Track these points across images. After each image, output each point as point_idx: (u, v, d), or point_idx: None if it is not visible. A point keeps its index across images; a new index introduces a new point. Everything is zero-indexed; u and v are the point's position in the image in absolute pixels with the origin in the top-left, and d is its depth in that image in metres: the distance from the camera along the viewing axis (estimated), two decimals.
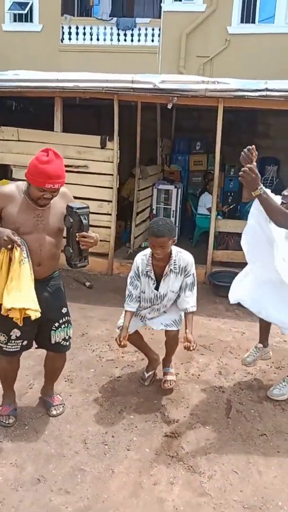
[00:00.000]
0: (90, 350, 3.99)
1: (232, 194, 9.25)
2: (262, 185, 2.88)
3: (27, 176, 2.54)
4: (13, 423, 2.91)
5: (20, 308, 2.45)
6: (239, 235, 6.63)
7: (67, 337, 2.89)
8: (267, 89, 5.06)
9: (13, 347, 2.73)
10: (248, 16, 9.86)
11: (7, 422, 2.90)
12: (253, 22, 9.95)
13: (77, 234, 2.56)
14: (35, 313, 2.49)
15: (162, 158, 8.77)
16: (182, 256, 3.20)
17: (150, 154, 8.41)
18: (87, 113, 8.68)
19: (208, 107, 5.85)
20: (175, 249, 3.20)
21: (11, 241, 2.42)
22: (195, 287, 3.28)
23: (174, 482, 2.55)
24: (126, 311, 3.27)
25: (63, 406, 3.11)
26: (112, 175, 5.83)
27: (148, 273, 3.21)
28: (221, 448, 2.84)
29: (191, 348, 3.07)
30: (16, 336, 2.70)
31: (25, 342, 2.77)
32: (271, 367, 3.87)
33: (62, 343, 2.87)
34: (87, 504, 2.35)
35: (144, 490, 2.47)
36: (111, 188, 5.85)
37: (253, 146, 2.85)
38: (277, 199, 3.21)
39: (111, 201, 5.89)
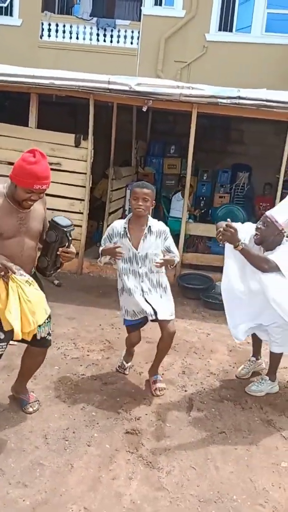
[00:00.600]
0: (56, 348, 3.99)
1: (204, 198, 9.40)
2: (241, 240, 3.07)
3: (12, 178, 2.46)
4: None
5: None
6: (209, 238, 6.80)
7: (50, 332, 2.88)
8: (239, 97, 5.19)
9: None
10: (226, 24, 10.07)
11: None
12: (231, 30, 10.17)
13: (59, 248, 2.60)
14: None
15: (136, 160, 8.83)
16: (157, 222, 3.37)
17: (125, 156, 8.46)
18: (63, 111, 8.66)
19: (183, 111, 5.94)
20: (149, 217, 3.33)
21: (5, 268, 2.37)
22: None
23: (133, 477, 2.59)
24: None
25: (38, 403, 3.10)
26: (85, 174, 5.85)
27: (126, 233, 3.28)
28: (180, 445, 2.90)
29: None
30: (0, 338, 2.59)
31: (5, 345, 2.66)
32: (233, 367, 3.97)
33: (47, 337, 2.84)
34: (45, 497, 2.36)
35: (103, 484, 2.51)
36: (84, 187, 5.86)
37: (229, 221, 3.07)
38: (250, 227, 3.35)
39: (83, 200, 5.90)
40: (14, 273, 2.41)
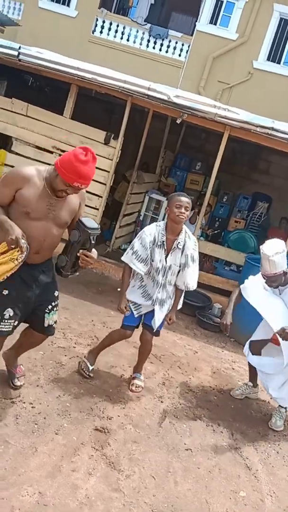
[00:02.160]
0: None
1: (220, 220, 9.44)
2: None
3: (58, 167, 2.47)
4: None
5: None
6: (216, 259, 6.83)
7: (56, 319, 2.93)
8: (273, 128, 5.25)
9: (5, 326, 2.63)
10: (275, 55, 10.17)
11: None
12: (279, 62, 10.27)
13: (80, 250, 2.56)
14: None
15: (161, 169, 8.90)
16: (189, 235, 3.41)
17: (151, 163, 8.53)
18: (100, 107, 8.77)
19: (216, 131, 6.01)
20: (184, 227, 3.41)
21: (16, 243, 2.36)
22: (197, 263, 3.50)
23: (92, 473, 2.61)
24: (127, 268, 3.40)
25: (24, 377, 3.19)
26: (108, 172, 5.93)
27: (163, 243, 3.36)
28: (145, 452, 2.92)
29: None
30: (9, 315, 2.62)
31: (16, 323, 2.69)
32: (213, 389, 3.98)
33: (53, 325, 2.90)
34: (3, 474, 2.39)
35: (62, 473, 2.53)
36: (105, 184, 5.94)
37: None
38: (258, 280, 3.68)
39: (101, 197, 5.97)
40: (23, 253, 2.40)
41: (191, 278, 3.46)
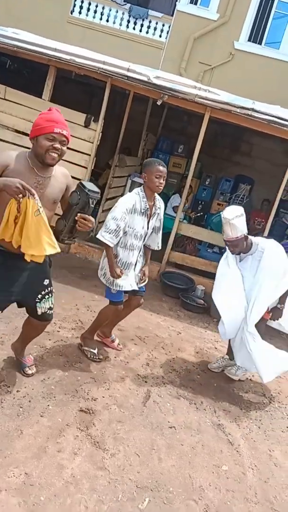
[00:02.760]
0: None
1: (203, 202, 9.47)
2: None
3: (32, 133, 2.49)
4: None
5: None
6: (199, 242, 6.87)
7: (52, 306, 2.94)
8: (253, 109, 5.24)
9: None
10: (256, 36, 10.08)
11: None
12: (260, 43, 10.18)
13: (78, 213, 2.50)
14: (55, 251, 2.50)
15: (143, 152, 8.85)
16: (158, 198, 3.59)
17: (133, 146, 8.47)
18: (80, 90, 8.65)
19: (197, 113, 5.98)
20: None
21: (24, 189, 2.29)
22: None
23: (78, 453, 2.66)
24: (108, 247, 3.39)
25: (35, 366, 3.25)
26: (89, 155, 5.87)
27: (146, 211, 3.46)
28: (130, 431, 2.98)
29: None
30: None
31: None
32: (196, 368, 4.05)
33: (48, 312, 2.92)
34: None
35: (47, 454, 2.57)
36: (86, 168, 5.89)
37: None
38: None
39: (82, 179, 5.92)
40: (33, 195, 2.35)
41: (160, 238, 3.77)
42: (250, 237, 3.64)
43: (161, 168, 3.34)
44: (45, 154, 2.47)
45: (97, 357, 3.68)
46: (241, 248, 3.61)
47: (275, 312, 3.80)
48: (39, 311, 2.87)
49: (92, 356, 3.68)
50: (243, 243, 3.58)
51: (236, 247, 3.59)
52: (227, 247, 3.71)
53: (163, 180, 3.37)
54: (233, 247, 3.60)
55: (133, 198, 3.40)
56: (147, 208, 3.45)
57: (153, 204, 3.51)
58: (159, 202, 3.60)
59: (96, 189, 2.52)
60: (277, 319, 3.83)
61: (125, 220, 3.35)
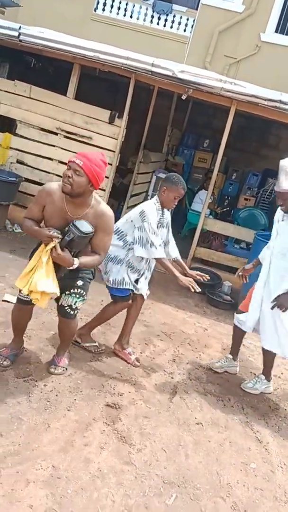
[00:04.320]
0: (55, 314, 4.05)
1: (229, 198, 9.36)
2: None
3: None
4: (7, 365, 3.10)
5: (44, 292, 2.75)
6: (226, 237, 6.79)
7: (73, 306, 3.02)
8: (280, 101, 5.13)
9: (24, 296, 2.92)
10: (283, 27, 9.86)
11: (1, 362, 3.10)
12: (287, 34, 9.96)
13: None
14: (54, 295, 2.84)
15: (168, 148, 8.81)
16: (167, 212, 3.63)
17: (156, 141, 8.44)
18: (104, 87, 8.67)
19: (222, 107, 5.90)
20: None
21: (49, 237, 2.69)
22: None
23: (104, 447, 2.66)
24: (162, 259, 3.45)
25: (63, 369, 3.24)
26: (114, 151, 5.88)
27: (161, 222, 3.52)
28: (156, 426, 2.96)
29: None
30: None
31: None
32: None
33: (66, 308, 3.02)
34: (17, 449, 2.45)
35: (74, 448, 2.59)
36: (111, 164, 5.89)
37: None
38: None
39: (107, 177, 5.94)
40: (57, 237, 2.70)
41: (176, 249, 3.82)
42: None
43: (183, 192, 3.43)
44: (63, 181, 2.72)
45: (101, 349, 3.68)
46: None
47: (284, 297, 3.31)
48: (60, 302, 3.01)
49: (96, 350, 3.64)
50: None
51: (286, 200, 3.28)
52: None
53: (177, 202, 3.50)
54: (283, 200, 3.29)
55: (154, 211, 3.44)
56: (162, 220, 3.54)
57: (162, 214, 3.53)
58: (167, 213, 3.62)
59: (85, 231, 2.72)
60: (285, 309, 3.32)
61: (157, 233, 3.45)
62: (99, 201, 2.90)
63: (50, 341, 3.59)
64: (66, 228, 2.74)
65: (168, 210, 3.58)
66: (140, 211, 3.41)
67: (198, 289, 3.39)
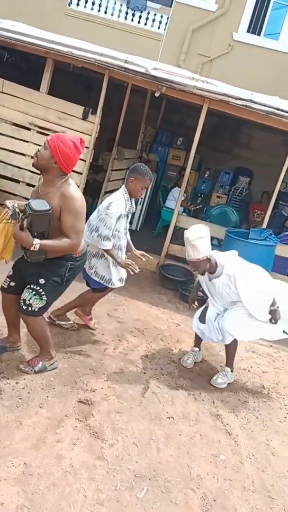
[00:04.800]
0: None
1: (202, 195, 9.47)
2: None
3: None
4: None
5: None
6: None
7: (26, 301, 3.01)
8: (251, 101, 5.22)
9: (4, 283, 3.17)
10: (255, 27, 10.00)
11: None
12: (259, 34, 10.11)
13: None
14: None
15: (142, 145, 8.82)
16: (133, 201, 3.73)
17: (130, 138, 8.44)
18: (78, 83, 8.61)
19: (196, 105, 5.95)
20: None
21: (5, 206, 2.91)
22: None
23: (76, 443, 2.68)
24: (108, 250, 3.57)
25: (31, 369, 3.20)
26: (87, 148, 5.85)
27: (128, 212, 3.63)
28: (128, 421, 3.00)
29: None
30: (8, 274, 3.18)
31: (12, 283, 3.15)
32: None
33: (21, 301, 3.04)
34: None
35: (46, 445, 2.59)
36: (84, 160, 5.87)
37: None
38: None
39: (81, 174, 5.92)
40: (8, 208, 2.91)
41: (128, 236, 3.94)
42: (214, 257, 3.53)
43: (149, 182, 3.57)
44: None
45: (75, 326, 3.93)
46: (203, 269, 3.52)
47: (273, 314, 3.63)
48: (22, 295, 3.05)
49: (71, 327, 3.89)
50: (205, 265, 3.49)
51: (198, 267, 3.50)
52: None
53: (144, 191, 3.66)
54: (195, 267, 3.52)
55: (123, 203, 3.54)
56: (131, 210, 3.65)
57: (130, 204, 3.67)
58: (133, 203, 3.72)
59: (34, 206, 2.75)
60: (277, 321, 3.66)
61: (114, 226, 3.53)
62: (69, 183, 2.88)
63: (22, 338, 3.55)
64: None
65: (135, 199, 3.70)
66: (109, 203, 3.51)
67: (137, 270, 3.54)
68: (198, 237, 3.38)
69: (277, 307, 3.63)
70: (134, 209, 3.76)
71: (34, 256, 2.87)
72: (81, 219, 2.88)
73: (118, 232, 3.63)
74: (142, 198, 3.63)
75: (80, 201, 2.86)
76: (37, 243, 2.74)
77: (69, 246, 2.88)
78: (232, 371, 3.81)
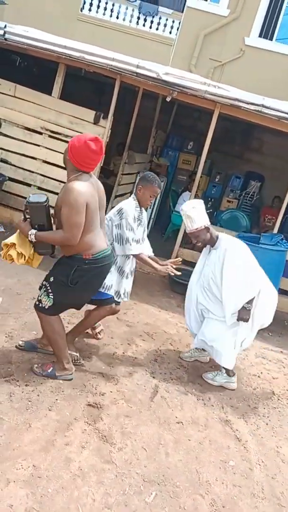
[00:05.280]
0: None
1: (212, 200, 9.45)
2: None
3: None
4: (20, 345, 3.47)
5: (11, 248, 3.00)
6: None
7: (38, 297, 3.12)
8: (263, 105, 5.21)
9: None
10: (267, 32, 10.00)
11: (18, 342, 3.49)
12: (271, 39, 10.09)
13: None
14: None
15: (153, 149, 8.85)
16: (144, 211, 3.71)
17: (141, 142, 8.48)
18: (90, 87, 8.67)
19: (207, 110, 5.96)
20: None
21: None
22: None
23: (85, 446, 2.68)
24: (139, 255, 3.54)
25: (41, 373, 3.19)
26: None
27: (139, 219, 3.59)
28: (137, 425, 2.99)
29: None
30: None
31: None
32: (204, 365, 4.05)
33: (35, 299, 3.18)
34: None
35: (55, 447, 2.60)
36: None
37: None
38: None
39: None
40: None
41: (148, 243, 3.88)
42: (212, 230, 3.62)
43: (158, 190, 3.54)
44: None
45: (80, 362, 3.48)
46: (204, 239, 3.59)
47: (242, 312, 3.54)
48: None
49: (74, 360, 3.44)
50: (205, 235, 3.56)
51: (197, 237, 3.59)
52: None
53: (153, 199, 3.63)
54: (195, 238, 3.61)
55: (133, 207, 3.52)
56: (140, 217, 3.61)
57: (140, 212, 3.63)
58: (144, 213, 3.71)
59: (30, 198, 2.94)
60: (245, 320, 3.56)
61: (134, 229, 3.50)
62: (79, 179, 2.85)
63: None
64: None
65: (145, 209, 3.69)
66: (119, 209, 3.50)
67: (178, 273, 3.57)
68: (192, 207, 3.53)
69: (249, 308, 3.53)
70: (145, 220, 3.70)
71: (39, 249, 3.04)
72: (77, 213, 2.79)
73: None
74: (152, 203, 3.57)
75: (77, 195, 2.77)
76: (32, 233, 2.89)
77: (60, 239, 2.91)
78: (229, 375, 3.75)
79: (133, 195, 3.60)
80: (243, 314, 3.55)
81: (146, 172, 3.73)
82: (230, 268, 3.51)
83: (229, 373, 3.76)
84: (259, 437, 3.25)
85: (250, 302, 3.54)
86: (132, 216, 3.46)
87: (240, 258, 3.56)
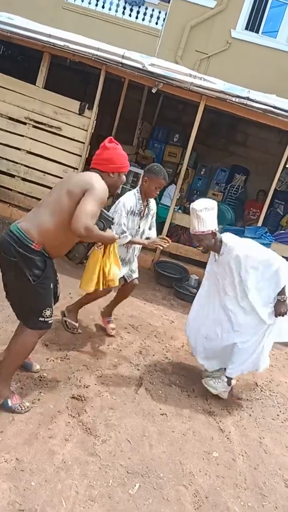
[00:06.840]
0: None
1: (198, 192, 9.44)
2: None
3: (116, 169, 2.82)
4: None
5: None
6: None
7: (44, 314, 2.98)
8: (248, 98, 5.21)
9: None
10: (253, 24, 9.98)
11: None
12: (257, 32, 10.09)
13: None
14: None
15: (138, 141, 8.80)
16: (153, 202, 3.79)
17: (127, 134, 8.41)
18: (75, 77, 8.55)
19: (194, 102, 5.94)
20: None
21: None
22: None
23: (69, 439, 2.67)
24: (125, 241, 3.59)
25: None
26: (83, 143, 5.83)
27: (141, 212, 3.63)
28: (121, 418, 2.99)
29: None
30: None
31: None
32: (188, 357, 4.06)
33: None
34: None
35: (39, 440, 2.58)
36: (80, 156, 5.85)
37: None
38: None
39: (77, 169, 5.89)
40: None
41: (155, 233, 3.92)
42: (219, 235, 3.28)
43: (164, 182, 3.55)
44: (120, 187, 2.86)
45: (76, 330, 3.86)
46: (206, 244, 3.25)
47: (278, 305, 3.23)
48: (58, 292, 3.00)
49: (71, 328, 3.85)
50: (209, 240, 3.22)
51: (200, 241, 3.24)
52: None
53: (159, 191, 3.61)
54: (198, 241, 3.26)
55: (132, 200, 3.57)
56: (142, 209, 3.64)
57: (146, 205, 3.69)
58: (153, 204, 3.77)
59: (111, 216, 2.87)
60: (283, 314, 3.23)
61: (125, 221, 3.55)
62: (98, 175, 2.73)
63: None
64: (102, 222, 2.80)
65: (153, 199, 3.74)
66: (117, 202, 3.58)
67: (165, 245, 3.62)
68: (205, 207, 3.14)
69: (284, 299, 3.22)
70: (154, 208, 3.79)
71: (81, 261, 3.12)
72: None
73: (128, 229, 3.59)
74: (157, 194, 3.60)
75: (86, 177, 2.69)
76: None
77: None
78: (229, 384, 3.50)
79: (137, 188, 3.65)
80: (280, 307, 3.22)
81: (152, 164, 3.75)
82: (251, 274, 3.20)
83: (229, 382, 3.51)
84: (242, 428, 3.29)
85: (281, 293, 3.22)
86: (125, 211, 3.52)
87: (256, 260, 3.21)
